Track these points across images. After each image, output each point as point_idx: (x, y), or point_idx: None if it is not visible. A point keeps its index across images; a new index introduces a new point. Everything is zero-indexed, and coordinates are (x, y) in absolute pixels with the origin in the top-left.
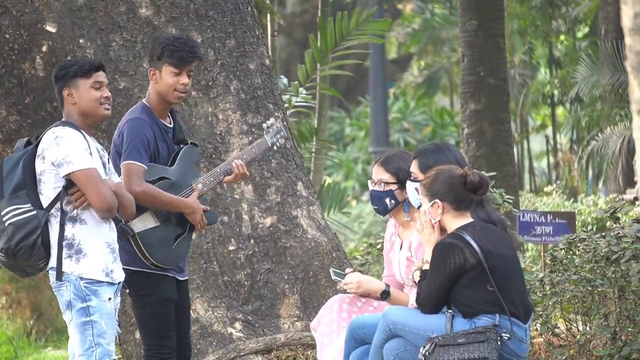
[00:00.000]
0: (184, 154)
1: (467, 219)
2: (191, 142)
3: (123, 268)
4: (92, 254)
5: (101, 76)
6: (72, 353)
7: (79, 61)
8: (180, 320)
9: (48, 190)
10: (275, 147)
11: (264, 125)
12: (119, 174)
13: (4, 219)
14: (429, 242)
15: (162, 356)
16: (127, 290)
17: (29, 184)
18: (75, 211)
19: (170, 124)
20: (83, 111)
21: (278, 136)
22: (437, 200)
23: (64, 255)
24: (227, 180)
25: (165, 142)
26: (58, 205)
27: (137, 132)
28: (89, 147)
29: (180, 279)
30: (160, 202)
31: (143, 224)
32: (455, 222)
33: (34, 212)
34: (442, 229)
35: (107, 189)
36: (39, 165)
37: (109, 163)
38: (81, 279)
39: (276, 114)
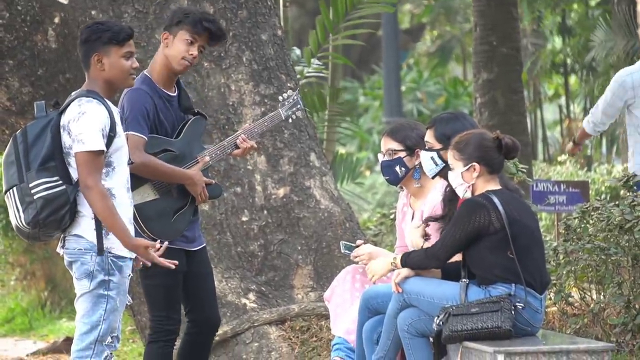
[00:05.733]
0: (191, 126)
1: (496, 185)
2: (199, 113)
3: None
4: None
5: (132, 45)
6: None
7: (112, 27)
8: (204, 288)
9: None
10: (290, 120)
11: (280, 98)
12: None
13: (32, 191)
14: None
15: (168, 327)
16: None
17: (57, 156)
18: (105, 185)
19: (175, 92)
20: (110, 79)
21: (294, 109)
22: (474, 163)
23: (93, 226)
24: (236, 154)
25: (168, 112)
26: None
27: (136, 103)
28: (111, 118)
29: (193, 249)
30: (161, 174)
31: (141, 196)
32: (486, 185)
33: (64, 186)
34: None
35: (97, 179)
36: (66, 139)
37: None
38: (109, 252)
39: (289, 84)
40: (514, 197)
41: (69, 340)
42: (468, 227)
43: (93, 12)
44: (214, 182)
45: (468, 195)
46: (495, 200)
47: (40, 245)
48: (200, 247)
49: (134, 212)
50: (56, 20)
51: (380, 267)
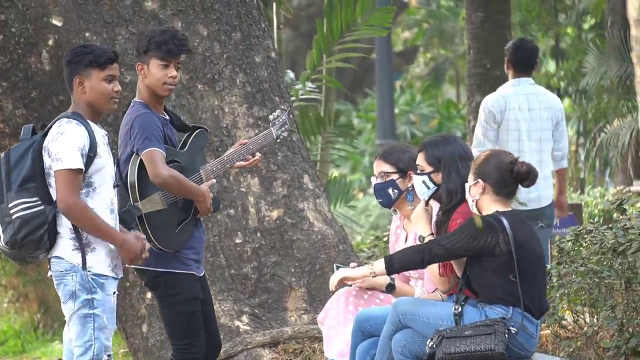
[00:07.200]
0: (195, 139)
1: (507, 207)
2: (199, 127)
3: (149, 270)
4: (100, 248)
5: (115, 69)
6: (68, 341)
7: (94, 50)
8: (207, 314)
9: None
10: (279, 140)
11: (270, 117)
12: (127, 169)
13: (11, 211)
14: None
15: (192, 355)
16: (154, 291)
17: (38, 177)
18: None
19: (166, 116)
20: (91, 102)
21: (282, 129)
22: (480, 179)
23: (71, 247)
24: (239, 165)
25: (169, 132)
26: None
27: (148, 123)
28: (91, 139)
29: (200, 275)
30: (184, 188)
31: (151, 205)
32: (493, 205)
33: (42, 207)
34: (479, 210)
35: (76, 196)
36: (46, 159)
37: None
38: (89, 271)
39: (282, 106)
40: (522, 220)
41: None
42: (473, 242)
43: (87, 35)
44: (213, 196)
45: (474, 210)
46: (505, 223)
47: (32, 267)
48: (203, 273)
49: (144, 221)
50: (50, 42)
51: (356, 271)
